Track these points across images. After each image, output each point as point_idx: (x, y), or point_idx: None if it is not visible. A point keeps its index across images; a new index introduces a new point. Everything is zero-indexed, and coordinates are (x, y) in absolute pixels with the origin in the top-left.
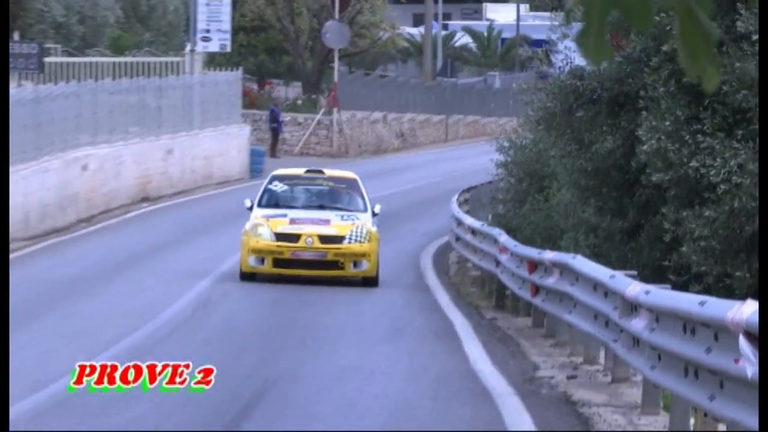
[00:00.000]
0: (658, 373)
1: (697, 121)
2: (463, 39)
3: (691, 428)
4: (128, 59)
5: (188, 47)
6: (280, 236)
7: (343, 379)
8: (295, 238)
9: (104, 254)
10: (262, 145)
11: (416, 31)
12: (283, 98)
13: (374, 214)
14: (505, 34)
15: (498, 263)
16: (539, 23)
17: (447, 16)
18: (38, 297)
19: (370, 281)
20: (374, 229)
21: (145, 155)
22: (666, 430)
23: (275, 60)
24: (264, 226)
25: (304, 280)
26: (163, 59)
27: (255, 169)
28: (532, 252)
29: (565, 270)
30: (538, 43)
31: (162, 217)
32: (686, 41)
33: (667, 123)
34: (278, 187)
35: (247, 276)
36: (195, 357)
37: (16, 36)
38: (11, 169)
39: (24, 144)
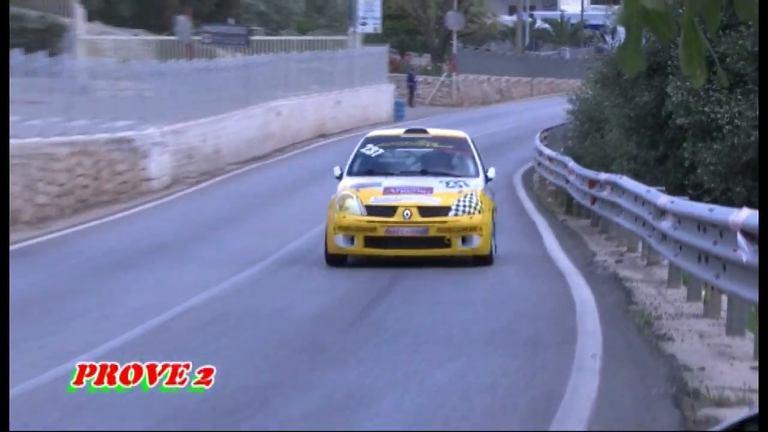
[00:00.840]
0: (680, 258)
1: (709, 81)
2: (543, 24)
3: (702, 297)
4: (309, 38)
5: (351, 29)
6: (371, 209)
7: (455, 264)
8: (390, 210)
9: (292, 174)
10: (402, 98)
11: (509, 19)
12: (417, 65)
13: (487, 179)
14: (573, 20)
15: (567, 181)
16: (597, 12)
17: (532, 8)
18: (245, 205)
19: (482, 260)
20: (489, 196)
21: (321, 105)
22: (685, 298)
23: (411, 38)
24: (353, 198)
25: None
26: (334, 38)
27: (398, 115)
28: (591, 173)
29: (614, 186)
30: (596, 27)
31: (333, 148)
32: (686, 48)
33: (687, 83)
34: (372, 150)
35: (335, 259)
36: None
37: (231, 21)
38: (227, 114)
39: (237, 97)
